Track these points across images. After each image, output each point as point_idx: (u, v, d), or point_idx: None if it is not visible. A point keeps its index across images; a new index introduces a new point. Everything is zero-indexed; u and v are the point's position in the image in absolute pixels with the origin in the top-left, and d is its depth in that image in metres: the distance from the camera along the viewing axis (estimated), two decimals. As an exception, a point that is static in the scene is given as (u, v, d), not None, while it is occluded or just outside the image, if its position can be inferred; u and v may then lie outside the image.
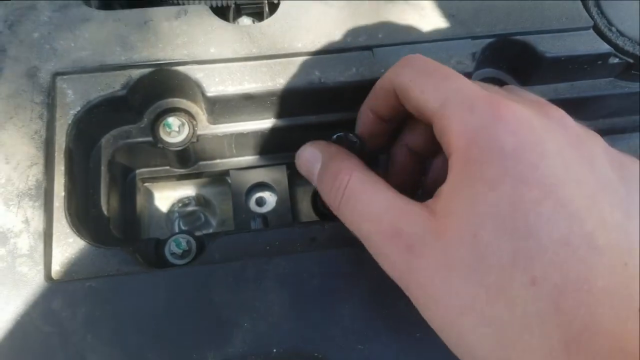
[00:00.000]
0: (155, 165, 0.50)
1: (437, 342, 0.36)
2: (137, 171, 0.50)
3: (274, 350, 0.36)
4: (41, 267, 0.37)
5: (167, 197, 0.53)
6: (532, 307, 0.25)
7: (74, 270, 0.37)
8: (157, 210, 0.52)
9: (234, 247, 0.39)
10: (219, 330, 0.36)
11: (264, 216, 0.49)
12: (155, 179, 0.51)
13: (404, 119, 0.38)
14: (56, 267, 0.38)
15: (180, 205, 0.53)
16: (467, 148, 0.28)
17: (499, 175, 0.27)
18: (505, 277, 0.26)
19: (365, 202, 0.32)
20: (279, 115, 0.47)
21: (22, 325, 0.36)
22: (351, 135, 0.38)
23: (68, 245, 0.38)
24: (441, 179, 0.31)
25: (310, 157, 0.37)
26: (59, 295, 0.36)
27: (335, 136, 0.38)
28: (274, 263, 0.38)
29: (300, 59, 0.44)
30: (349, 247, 0.38)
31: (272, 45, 0.45)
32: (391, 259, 0.31)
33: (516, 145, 0.27)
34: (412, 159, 0.39)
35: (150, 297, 0.36)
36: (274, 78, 0.44)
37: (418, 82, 0.33)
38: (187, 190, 0.53)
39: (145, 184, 0.52)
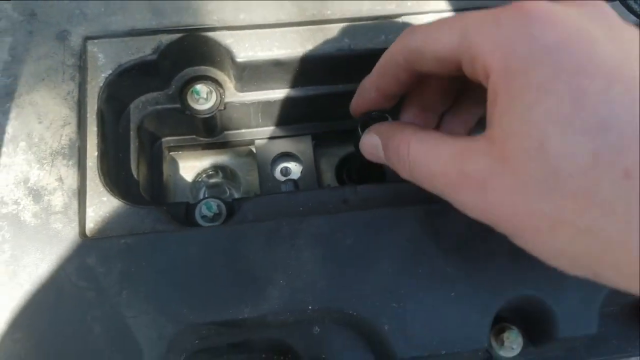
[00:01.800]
0: (182, 134, 0.50)
1: (470, 300, 0.37)
2: (164, 139, 0.50)
3: (309, 308, 0.36)
4: (75, 224, 0.37)
5: (192, 166, 0.53)
6: (631, 201, 0.23)
7: (107, 228, 0.38)
8: (182, 179, 0.52)
9: (267, 208, 0.39)
10: (255, 287, 0.36)
11: (294, 181, 0.49)
12: (180, 147, 0.51)
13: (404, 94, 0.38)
14: (90, 225, 0.38)
15: (205, 175, 0.53)
16: (505, 62, 0.26)
17: (550, 75, 0.25)
18: (590, 180, 0.24)
19: (430, 162, 0.31)
20: (306, 84, 0.47)
21: (57, 281, 0.36)
22: (377, 113, 0.38)
23: (102, 204, 0.38)
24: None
25: (371, 144, 0.37)
26: (93, 252, 0.36)
27: (365, 118, 0.38)
28: (308, 222, 0.38)
29: (330, 26, 0.44)
30: (381, 208, 0.38)
31: (301, 12, 0.45)
32: (469, 204, 0.30)
33: (559, 38, 0.25)
34: (424, 120, 0.39)
35: (186, 255, 0.36)
36: (303, 44, 0.44)
37: (431, 36, 0.31)
38: (211, 160, 0.53)
39: (171, 153, 0.52)
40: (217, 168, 0.53)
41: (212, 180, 0.53)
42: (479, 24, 0.28)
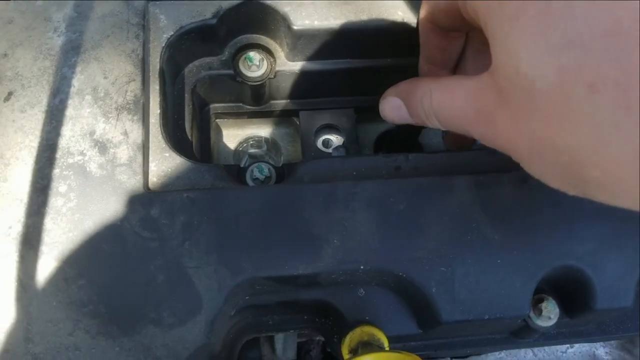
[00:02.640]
0: (229, 101, 0.51)
1: (514, 268, 0.38)
2: (211, 105, 0.51)
3: (361, 267, 0.38)
4: (140, 176, 0.38)
5: (235, 134, 0.54)
6: (597, 115, 0.23)
7: (170, 182, 0.39)
8: (225, 147, 0.54)
9: (323, 171, 0.40)
10: (310, 245, 0.38)
11: (345, 147, 0.50)
12: (227, 114, 0.52)
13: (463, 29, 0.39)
14: (153, 179, 0.39)
15: (247, 144, 0.54)
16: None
17: (520, 3, 0.25)
18: (560, 97, 0.24)
19: (451, 106, 0.33)
20: (355, 56, 0.48)
21: (122, 230, 0.37)
22: None
23: (164, 159, 0.39)
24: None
25: (393, 106, 0.39)
26: (157, 204, 0.38)
27: None
28: (362, 186, 0.39)
29: (385, 2, 0.46)
30: (432, 176, 0.40)
31: (358, -16, 0.46)
32: (486, 137, 0.31)
33: None
34: (440, 36, 0.40)
35: (245, 210, 0.38)
36: (358, 16, 0.45)
37: None
38: (254, 130, 0.55)
39: (217, 120, 0.53)
40: (260, 137, 0.54)
41: (254, 150, 0.54)
42: None
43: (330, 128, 0.53)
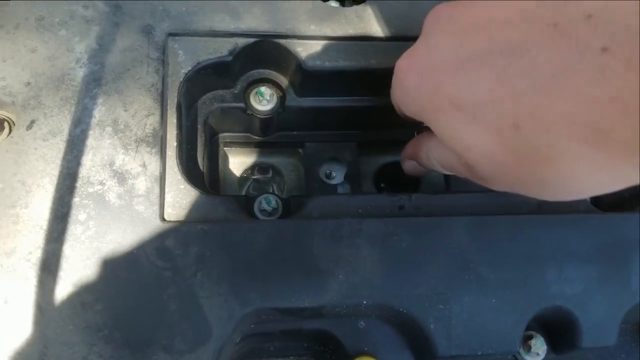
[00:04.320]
0: (238, 131, 0.53)
1: (507, 307, 0.41)
2: (220, 135, 0.53)
3: (364, 302, 0.40)
4: (157, 207, 0.40)
5: (241, 162, 0.56)
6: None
7: (184, 214, 0.41)
8: (231, 173, 0.56)
9: (329, 207, 0.42)
10: (316, 279, 0.40)
11: (346, 178, 0.52)
12: (234, 143, 0.54)
13: None
14: (168, 210, 0.41)
15: (251, 171, 0.56)
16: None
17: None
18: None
19: (448, 162, 0.39)
20: (360, 94, 0.51)
21: (138, 259, 0.39)
22: None
23: (179, 191, 0.41)
24: None
25: (410, 166, 0.47)
26: (172, 235, 0.39)
27: None
28: (367, 224, 0.41)
29: (393, 44, 0.48)
30: (434, 216, 0.42)
31: (367, 28, 0.48)
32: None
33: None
34: None
35: (256, 243, 0.40)
36: (367, 58, 0.48)
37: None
38: (259, 158, 0.57)
39: (225, 148, 0.55)
40: (265, 165, 0.56)
41: (259, 176, 0.56)
42: None
43: (333, 160, 0.55)
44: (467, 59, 0.31)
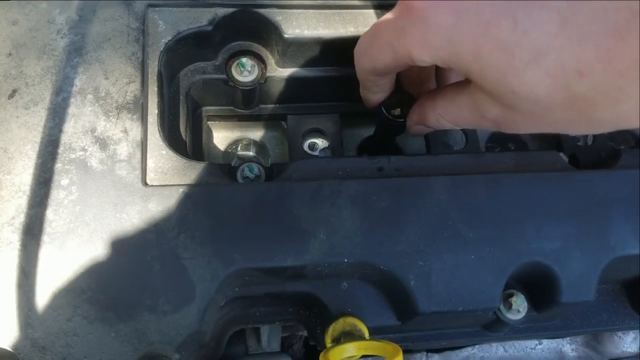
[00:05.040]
0: (221, 104, 0.54)
1: (487, 263, 0.41)
2: (204, 108, 0.54)
3: (345, 261, 0.41)
4: (138, 172, 0.41)
5: (224, 137, 0.56)
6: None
7: (166, 178, 0.41)
8: (215, 148, 0.56)
9: (310, 170, 0.43)
10: (298, 238, 0.40)
11: (331, 150, 0.53)
12: (218, 117, 0.55)
13: None
14: (150, 175, 0.41)
15: (236, 146, 0.56)
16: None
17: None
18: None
19: (463, 119, 0.39)
20: (342, 64, 0.51)
21: (120, 222, 0.39)
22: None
23: (161, 157, 0.42)
24: None
25: (420, 131, 0.45)
26: (154, 198, 0.40)
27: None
28: (347, 185, 0.42)
29: (370, 11, 0.49)
30: (414, 177, 0.43)
31: (346, -3, 0.49)
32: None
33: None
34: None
35: (238, 206, 0.40)
36: (346, 26, 0.48)
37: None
38: (243, 133, 0.57)
39: (208, 122, 0.55)
40: (249, 140, 0.57)
41: (243, 152, 0.56)
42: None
43: (316, 132, 0.56)
44: (523, 1, 0.29)
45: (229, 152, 0.57)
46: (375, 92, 0.45)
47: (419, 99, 0.44)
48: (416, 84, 0.47)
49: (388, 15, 0.37)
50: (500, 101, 0.34)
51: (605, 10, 0.27)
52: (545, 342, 0.58)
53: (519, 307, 0.44)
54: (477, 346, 0.56)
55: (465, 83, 0.37)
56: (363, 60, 0.41)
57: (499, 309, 0.44)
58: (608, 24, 0.27)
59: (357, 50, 0.42)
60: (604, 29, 0.27)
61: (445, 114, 0.40)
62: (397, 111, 0.45)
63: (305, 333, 0.57)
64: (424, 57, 0.34)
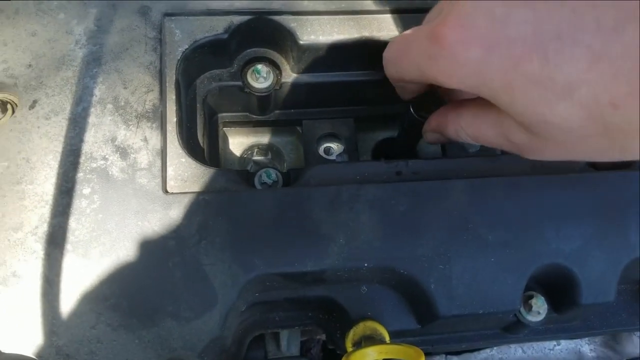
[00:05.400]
0: (236, 111, 0.54)
1: (507, 266, 0.41)
2: (219, 115, 0.54)
3: (365, 265, 0.41)
4: (159, 180, 0.41)
5: (240, 143, 0.57)
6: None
7: (186, 186, 0.41)
8: (231, 154, 0.56)
9: (328, 175, 0.43)
10: (318, 243, 0.40)
11: (348, 154, 0.53)
12: (234, 123, 0.55)
13: None
14: (171, 182, 0.41)
15: (252, 152, 0.57)
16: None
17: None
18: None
19: (485, 136, 0.39)
20: (356, 69, 0.51)
21: (142, 229, 0.40)
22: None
23: (180, 164, 0.42)
24: None
25: (436, 139, 0.45)
26: (175, 206, 0.40)
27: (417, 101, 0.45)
28: (365, 189, 0.42)
29: (384, 17, 0.49)
30: (431, 180, 0.43)
31: (359, 2, 0.49)
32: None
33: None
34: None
35: (257, 211, 0.41)
36: (360, 31, 0.48)
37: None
38: (259, 138, 0.57)
39: (224, 129, 0.56)
40: (264, 145, 0.57)
41: (259, 157, 0.57)
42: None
43: (331, 136, 0.56)
44: (554, 36, 0.29)
45: (245, 158, 0.57)
46: (407, 94, 0.45)
47: (443, 106, 0.43)
48: (446, 91, 0.46)
49: (419, 34, 0.37)
50: (529, 129, 0.34)
51: (636, 46, 0.27)
52: (563, 342, 0.58)
53: (539, 308, 0.44)
54: (495, 348, 0.56)
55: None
56: (391, 69, 0.42)
57: (519, 311, 0.44)
58: (638, 60, 0.27)
59: (386, 57, 0.42)
60: (635, 65, 0.27)
61: (467, 128, 0.40)
62: (425, 111, 0.45)
63: (323, 337, 0.57)
64: (451, 85, 0.35)
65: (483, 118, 0.38)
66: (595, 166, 0.48)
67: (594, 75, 0.29)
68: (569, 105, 0.30)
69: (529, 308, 0.44)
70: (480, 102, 0.39)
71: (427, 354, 0.54)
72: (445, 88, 0.44)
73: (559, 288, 0.44)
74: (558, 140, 0.33)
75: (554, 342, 0.58)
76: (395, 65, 0.41)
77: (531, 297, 0.45)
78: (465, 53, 0.33)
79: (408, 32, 0.39)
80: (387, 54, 0.42)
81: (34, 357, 0.37)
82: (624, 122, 0.29)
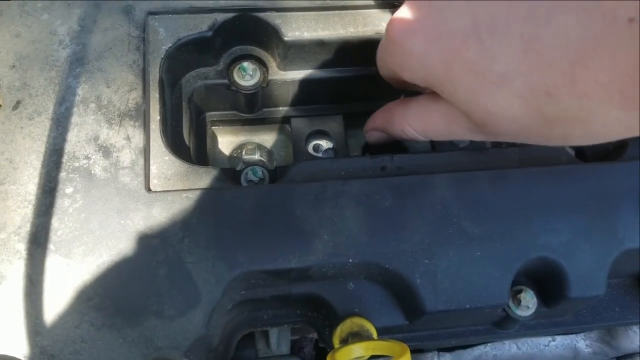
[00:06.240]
0: (224, 109, 0.54)
1: (493, 260, 0.41)
2: (207, 113, 0.54)
3: (350, 261, 0.40)
4: (141, 178, 0.41)
5: (229, 142, 0.57)
6: None
7: (169, 184, 0.41)
8: (220, 153, 0.56)
9: (313, 171, 0.43)
10: (302, 240, 0.40)
11: (334, 150, 0.53)
12: (222, 122, 0.55)
13: None
14: (154, 181, 0.41)
15: (241, 151, 0.57)
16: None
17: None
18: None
19: (432, 129, 0.40)
20: (342, 65, 0.51)
21: (125, 228, 0.39)
22: None
23: (164, 162, 0.42)
24: None
25: (376, 136, 0.47)
26: (158, 204, 0.40)
27: None
28: (350, 185, 0.42)
29: (370, 12, 0.49)
30: (416, 175, 0.43)
31: (345, -3, 0.49)
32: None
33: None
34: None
35: (241, 209, 0.40)
36: (345, 27, 0.48)
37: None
38: (248, 137, 0.57)
39: (212, 128, 0.55)
40: (253, 144, 0.57)
41: (248, 156, 0.56)
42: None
43: (320, 134, 0.56)
44: (489, 26, 0.30)
45: (234, 157, 0.57)
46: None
47: (389, 103, 0.44)
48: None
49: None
50: (473, 118, 0.35)
51: (567, 36, 0.27)
52: (558, 338, 0.58)
53: (528, 303, 0.44)
54: (489, 344, 0.56)
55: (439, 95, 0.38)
56: (380, 71, 0.43)
57: (508, 305, 0.44)
58: (570, 50, 0.27)
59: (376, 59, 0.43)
60: (567, 55, 0.27)
61: (416, 122, 0.40)
62: None
63: (315, 335, 0.57)
64: (407, 78, 0.37)
65: (431, 111, 0.39)
66: (584, 155, 0.47)
67: (528, 64, 0.29)
68: (508, 95, 0.31)
69: (517, 302, 0.44)
70: (428, 97, 0.39)
71: (418, 351, 0.54)
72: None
73: (547, 282, 0.44)
74: (501, 129, 0.34)
75: (549, 338, 0.57)
76: (379, 67, 0.42)
77: (520, 291, 0.44)
78: (409, 44, 0.35)
79: None
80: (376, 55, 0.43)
81: (18, 357, 0.37)
82: (560, 111, 0.30)
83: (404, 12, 0.36)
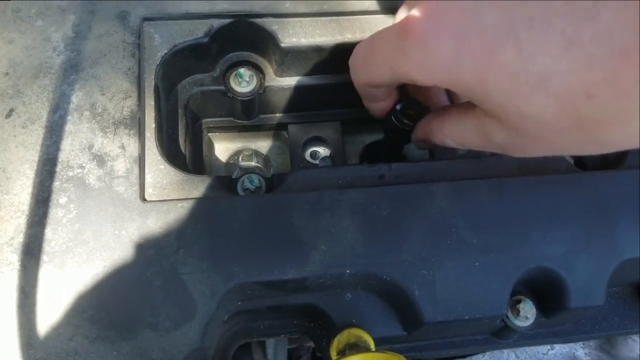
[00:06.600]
0: (220, 116, 0.53)
1: (492, 270, 0.41)
2: (204, 120, 0.53)
3: (347, 272, 0.40)
4: (136, 188, 0.40)
5: (226, 148, 0.56)
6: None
7: (165, 193, 0.41)
8: (217, 159, 0.56)
9: (310, 180, 0.42)
10: (298, 250, 0.40)
11: (331, 158, 0.52)
12: (218, 128, 0.54)
13: None
14: (149, 190, 0.41)
15: (238, 157, 0.56)
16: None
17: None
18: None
19: (469, 140, 0.39)
20: (340, 71, 0.51)
21: (120, 239, 0.39)
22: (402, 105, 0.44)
23: (159, 171, 0.41)
24: None
25: (421, 145, 0.46)
26: (153, 214, 0.40)
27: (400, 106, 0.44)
28: (347, 194, 0.41)
29: (367, 17, 0.48)
30: (414, 183, 0.42)
31: (342, 3, 0.48)
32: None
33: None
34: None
35: (237, 219, 0.40)
36: (342, 33, 0.48)
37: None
38: (244, 143, 0.57)
39: (209, 134, 0.55)
40: (250, 150, 0.56)
41: (245, 162, 0.56)
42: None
43: (317, 140, 0.55)
44: (527, 22, 0.28)
45: (231, 164, 0.56)
46: (376, 101, 0.44)
47: (427, 116, 0.43)
48: (423, 93, 0.46)
49: (387, 32, 0.36)
50: (506, 125, 0.33)
51: (610, 31, 0.26)
52: (557, 347, 0.57)
53: (527, 313, 0.43)
54: (488, 353, 0.55)
55: (471, 105, 0.36)
56: (358, 74, 0.41)
57: (506, 315, 0.43)
58: (613, 45, 0.26)
59: (353, 63, 0.41)
60: (610, 50, 0.26)
61: (452, 135, 0.39)
62: (405, 118, 0.45)
63: (312, 344, 0.56)
64: (425, 80, 0.34)
65: (464, 124, 0.38)
66: (584, 164, 0.47)
67: (567, 63, 0.28)
68: (544, 97, 0.29)
69: (516, 313, 0.44)
70: (459, 109, 0.39)
71: (416, 361, 0.53)
72: (422, 92, 0.43)
73: (546, 292, 0.43)
74: (536, 136, 0.32)
75: (548, 347, 0.57)
76: (362, 69, 0.40)
77: (519, 301, 0.44)
78: (437, 44, 0.31)
79: (375, 33, 0.38)
80: (353, 59, 0.41)
81: (11, 369, 0.37)
82: (598, 112, 0.28)
83: (425, 9, 0.32)
